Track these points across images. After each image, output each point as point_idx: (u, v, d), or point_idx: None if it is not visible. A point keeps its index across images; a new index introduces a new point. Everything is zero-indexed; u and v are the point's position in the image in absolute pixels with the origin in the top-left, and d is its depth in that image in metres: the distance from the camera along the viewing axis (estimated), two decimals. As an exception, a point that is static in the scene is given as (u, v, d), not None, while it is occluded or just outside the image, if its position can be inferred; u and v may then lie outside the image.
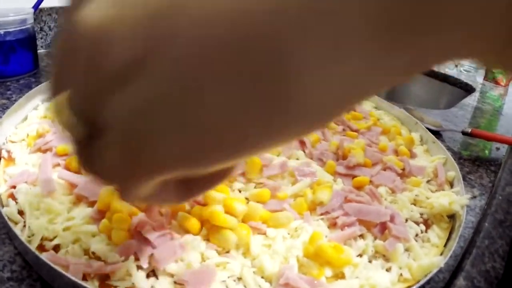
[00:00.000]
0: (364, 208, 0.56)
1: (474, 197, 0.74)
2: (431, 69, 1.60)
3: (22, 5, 1.01)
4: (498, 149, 0.96)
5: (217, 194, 0.53)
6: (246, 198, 0.57)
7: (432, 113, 1.13)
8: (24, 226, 0.49)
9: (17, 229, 0.48)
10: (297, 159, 0.68)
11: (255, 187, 0.60)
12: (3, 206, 0.52)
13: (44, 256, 0.43)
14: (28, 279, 0.47)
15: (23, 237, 0.47)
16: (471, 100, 1.33)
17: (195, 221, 0.50)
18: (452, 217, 0.61)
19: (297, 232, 0.53)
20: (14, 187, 0.55)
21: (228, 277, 0.46)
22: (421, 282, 0.49)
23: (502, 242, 0.60)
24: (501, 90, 1.50)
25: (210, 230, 0.50)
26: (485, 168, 0.85)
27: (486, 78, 1.58)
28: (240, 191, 0.60)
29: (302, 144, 0.72)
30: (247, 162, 0.61)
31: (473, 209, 0.70)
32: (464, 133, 0.94)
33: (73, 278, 0.42)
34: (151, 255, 0.46)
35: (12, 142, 0.65)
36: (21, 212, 0.51)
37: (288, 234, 0.53)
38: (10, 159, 0.61)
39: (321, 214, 0.56)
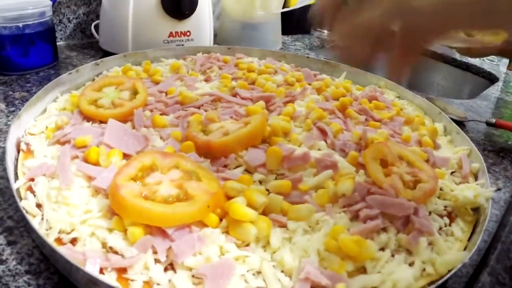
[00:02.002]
0: (387, 201, 0.55)
1: (499, 189, 0.72)
2: (454, 58, 1.59)
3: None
4: (523, 140, 0.94)
5: (238, 185, 0.53)
6: (267, 190, 0.56)
7: (455, 103, 1.12)
8: (42, 219, 0.49)
9: (35, 222, 0.48)
10: (319, 149, 0.67)
11: (276, 179, 0.59)
12: (21, 199, 0.51)
13: (61, 250, 0.43)
14: (46, 272, 0.47)
15: (41, 230, 0.47)
16: (495, 90, 1.31)
17: (213, 215, 0.50)
18: (476, 210, 0.60)
19: (318, 225, 0.52)
20: (32, 179, 0.54)
21: (247, 271, 0.46)
22: (445, 278, 0.47)
23: (528, 236, 0.58)
24: (525, 79, 1.47)
25: (230, 223, 0.49)
26: (509, 159, 0.83)
27: (509, 67, 1.56)
28: (261, 183, 0.59)
29: (324, 134, 0.71)
30: (268, 153, 0.60)
31: (497, 202, 0.69)
32: (488, 123, 0.92)
33: (90, 271, 0.41)
34: (169, 248, 0.45)
35: (31, 134, 0.65)
36: (39, 205, 0.51)
37: (309, 227, 0.52)
38: (29, 152, 0.61)
39: (343, 207, 0.55)
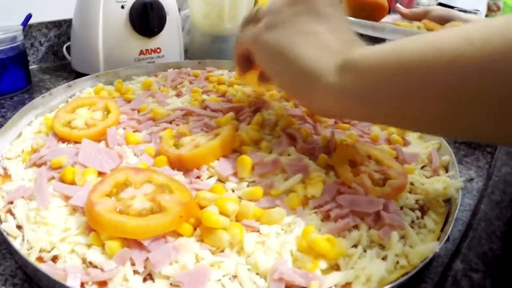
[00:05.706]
0: (356, 199, 0.56)
1: (471, 179, 0.74)
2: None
3: (11, 23, 1.02)
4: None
5: (209, 194, 0.54)
6: (239, 197, 0.58)
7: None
8: (23, 240, 0.50)
9: (16, 244, 0.49)
10: (289, 155, 0.68)
11: (248, 186, 0.61)
12: (1, 222, 0.53)
13: (42, 268, 0.44)
14: (29, 291, 0.48)
15: (22, 250, 0.48)
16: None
17: (187, 225, 0.51)
18: (448, 201, 0.62)
19: (290, 227, 0.53)
20: (11, 202, 0.55)
21: (223, 276, 0.47)
22: (417, 268, 0.49)
23: (499, 223, 0.59)
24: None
25: (203, 231, 0.51)
26: (481, 150, 0.85)
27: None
28: (233, 191, 0.60)
29: (293, 140, 0.72)
30: (238, 162, 0.62)
31: (471, 192, 0.71)
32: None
33: (71, 286, 0.43)
34: (147, 259, 0.47)
35: (8, 159, 0.66)
36: (19, 227, 0.52)
37: (282, 229, 0.53)
38: (7, 176, 0.62)
39: (314, 208, 0.56)
